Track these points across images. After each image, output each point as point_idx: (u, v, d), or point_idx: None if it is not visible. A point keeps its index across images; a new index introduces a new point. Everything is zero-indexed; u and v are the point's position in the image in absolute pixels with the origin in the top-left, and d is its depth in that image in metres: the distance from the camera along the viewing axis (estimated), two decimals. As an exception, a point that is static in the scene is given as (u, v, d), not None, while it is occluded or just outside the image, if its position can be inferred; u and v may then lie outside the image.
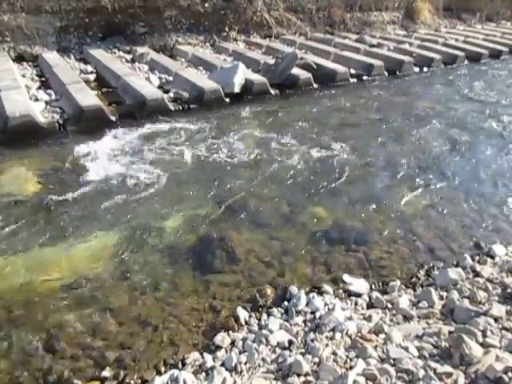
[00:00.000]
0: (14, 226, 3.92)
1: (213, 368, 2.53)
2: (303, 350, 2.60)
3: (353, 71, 9.07)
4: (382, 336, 2.66)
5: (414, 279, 3.45)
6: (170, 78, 7.96)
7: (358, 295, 3.23)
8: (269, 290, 3.28)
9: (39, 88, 7.19)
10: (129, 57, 9.25)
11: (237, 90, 7.44)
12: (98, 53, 9.03)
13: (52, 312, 3.03)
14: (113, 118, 6.30)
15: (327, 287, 3.29)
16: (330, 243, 3.87)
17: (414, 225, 4.17)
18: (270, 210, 4.36)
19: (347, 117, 7.04)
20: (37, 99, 6.55)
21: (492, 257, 3.65)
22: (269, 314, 3.03)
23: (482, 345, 2.45)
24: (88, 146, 5.50)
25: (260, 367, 2.52)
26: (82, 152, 5.35)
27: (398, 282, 3.36)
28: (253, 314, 3.05)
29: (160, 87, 7.50)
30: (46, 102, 6.53)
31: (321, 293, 3.24)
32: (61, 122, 6.01)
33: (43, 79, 7.71)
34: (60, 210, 4.21)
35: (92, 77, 8.06)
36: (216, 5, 10.74)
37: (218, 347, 2.74)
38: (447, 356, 2.42)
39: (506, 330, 2.59)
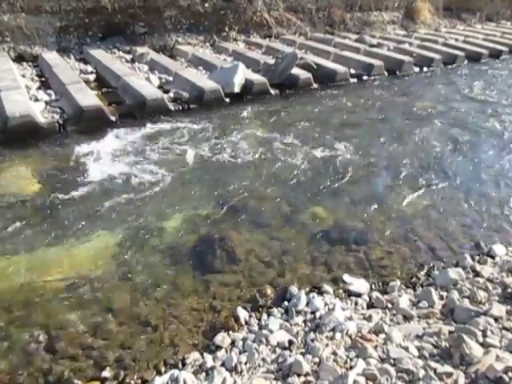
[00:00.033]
0: (15, 226, 3.92)
1: (213, 368, 2.53)
2: (303, 350, 2.60)
3: (353, 71, 9.07)
4: (382, 336, 2.67)
5: (414, 279, 3.45)
6: (170, 78, 7.95)
7: (358, 295, 3.23)
8: (269, 290, 3.28)
9: (39, 88, 7.19)
10: (129, 57, 9.26)
11: (237, 89, 7.45)
12: (98, 53, 9.03)
13: (52, 312, 3.03)
14: (113, 118, 6.30)
15: (327, 287, 3.29)
16: (330, 243, 3.87)
17: (414, 225, 4.17)
18: (271, 209, 4.36)
19: (348, 117, 7.04)
20: (37, 99, 6.55)
21: (492, 257, 3.65)
22: (269, 314, 3.03)
23: (482, 345, 2.45)
24: (88, 146, 5.50)
25: (260, 367, 2.52)
26: (83, 152, 5.35)
27: (398, 282, 3.36)
28: (253, 314, 3.05)
29: (160, 87, 7.50)
30: (46, 102, 6.52)
31: (321, 293, 3.24)
32: (61, 122, 6.01)
33: (43, 79, 7.71)
34: (60, 210, 4.21)
35: (92, 77, 8.07)
36: (216, 5, 10.74)
37: (218, 347, 2.74)
38: (447, 356, 2.42)
39: (506, 329, 2.59)
